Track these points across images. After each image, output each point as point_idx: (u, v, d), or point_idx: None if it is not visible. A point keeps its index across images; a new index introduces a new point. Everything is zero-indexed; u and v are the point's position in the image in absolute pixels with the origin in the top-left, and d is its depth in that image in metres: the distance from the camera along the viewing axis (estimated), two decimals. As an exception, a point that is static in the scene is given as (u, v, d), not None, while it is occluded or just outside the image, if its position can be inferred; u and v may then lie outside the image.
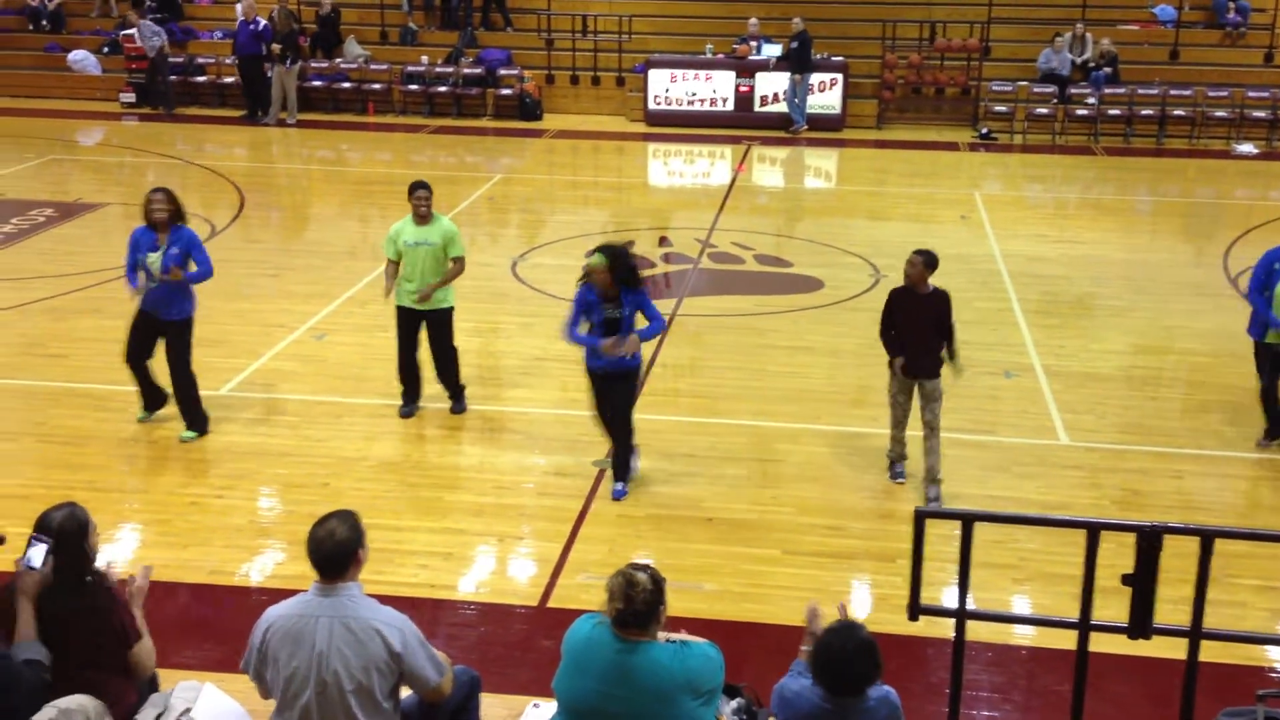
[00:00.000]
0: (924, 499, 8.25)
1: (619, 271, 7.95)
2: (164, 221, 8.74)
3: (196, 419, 9.19)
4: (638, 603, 4.49)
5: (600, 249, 8.03)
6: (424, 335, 9.52)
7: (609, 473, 8.58)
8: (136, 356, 9.11)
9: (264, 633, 4.73)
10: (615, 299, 7.99)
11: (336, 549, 4.66)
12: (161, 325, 8.97)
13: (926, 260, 8.23)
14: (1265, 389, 9.11)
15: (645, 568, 4.60)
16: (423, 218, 9.24)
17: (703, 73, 22.08)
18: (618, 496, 8.39)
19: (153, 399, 9.35)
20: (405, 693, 4.88)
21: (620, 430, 8.39)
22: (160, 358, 9.10)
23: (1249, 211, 16.68)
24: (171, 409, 9.29)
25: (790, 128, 21.62)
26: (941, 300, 8.29)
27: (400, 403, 9.64)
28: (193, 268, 8.87)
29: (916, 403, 8.37)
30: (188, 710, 5.05)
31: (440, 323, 9.47)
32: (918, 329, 8.30)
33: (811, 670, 4.57)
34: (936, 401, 8.27)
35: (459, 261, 9.28)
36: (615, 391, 8.31)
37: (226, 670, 5.95)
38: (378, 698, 4.66)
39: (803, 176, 20.14)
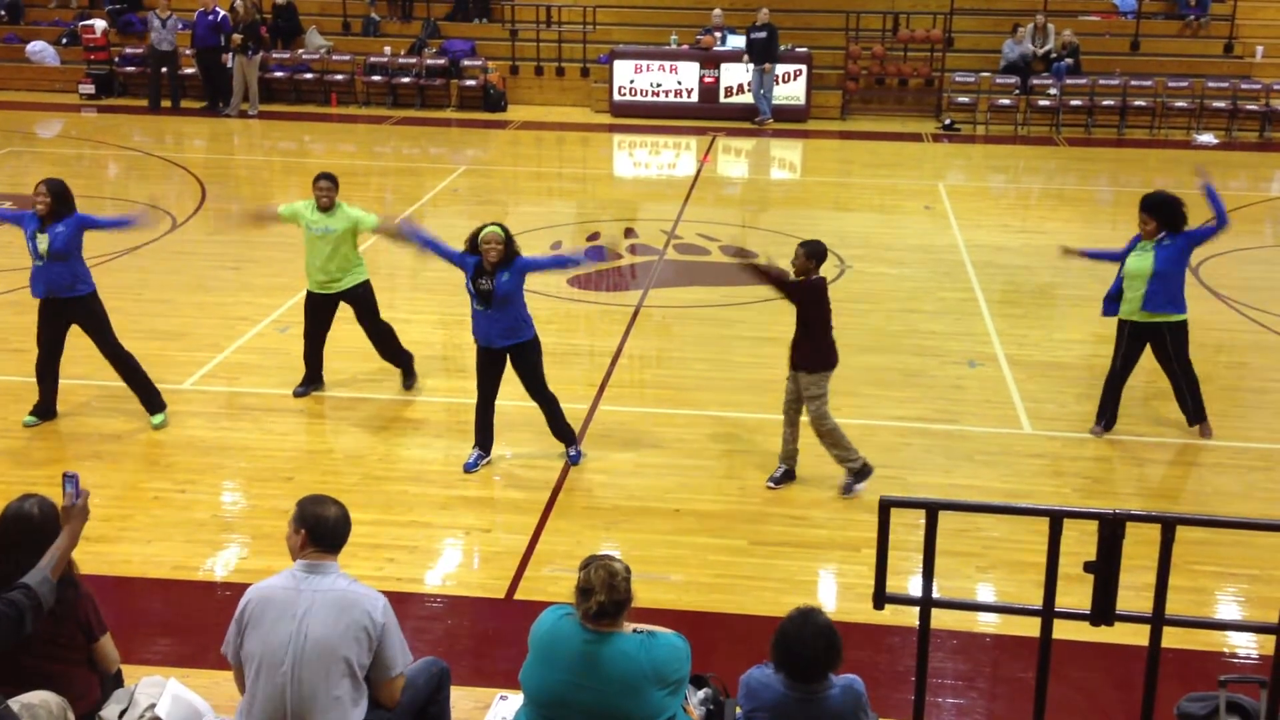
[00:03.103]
0: (892, 489, 8.28)
1: (510, 245, 8.24)
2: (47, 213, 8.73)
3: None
4: (618, 593, 4.51)
5: (496, 223, 8.34)
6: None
7: (566, 453, 8.72)
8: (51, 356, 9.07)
9: (245, 606, 4.77)
10: (491, 273, 8.16)
11: (341, 524, 4.86)
12: (65, 305, 8.90)
13: (808, 251, 8.12)
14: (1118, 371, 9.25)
15: (614, 558, 4.61)
16: (324, 207, 9.34)
17: (667, 64, 22.06)
18: (575, 460, 8.61)
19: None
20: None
21: (544, 401, 8.57)
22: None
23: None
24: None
25: (755, 119, 21.64)
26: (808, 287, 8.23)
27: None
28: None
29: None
30: (152, 706, 5.02)
31: (358, 300, 9.58)
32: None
33: (772, 659, 4.59)
34: (808, 400, 8.21)
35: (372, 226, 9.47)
36: (517, 369, 8.46)
37: (190, 666, 5.93)
38: (354, 670, 4.69)
39: (768, 167, 20.16)
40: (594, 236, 14.55)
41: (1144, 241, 8.92)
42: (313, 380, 9.82)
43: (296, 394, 9.74)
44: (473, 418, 8.64)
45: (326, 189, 9.31)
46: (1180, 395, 9.26)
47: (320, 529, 4.80)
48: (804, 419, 8.37)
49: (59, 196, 8.75)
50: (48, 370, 9.13)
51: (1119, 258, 9.15)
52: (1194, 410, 9.27)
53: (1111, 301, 9.14)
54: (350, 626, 4.67)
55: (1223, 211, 8.93)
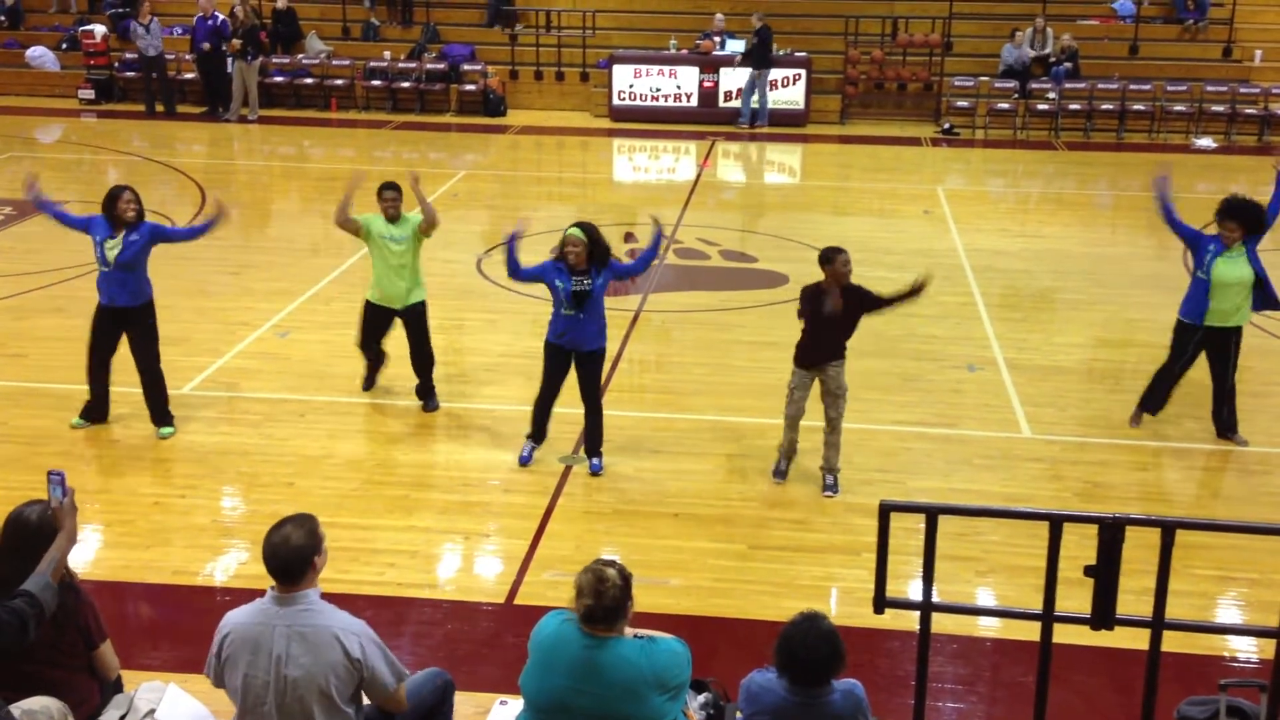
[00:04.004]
0: (892, 494, 8.28)
1: (593, 248, 8.18)
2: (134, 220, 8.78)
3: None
4: (607, 599, 4.49)
5: (578, 224, 8.27)
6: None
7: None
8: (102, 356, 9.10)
9: (222, 639, 4.72)
10: (586, 272, 8.20)
11: (292, 555, 4.62)
12: (124, 313, 8.95)
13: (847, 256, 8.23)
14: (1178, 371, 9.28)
15: (613, 563, 4.61)
16: (392, 219, 9.29)
17: (667, 68, 22.08)
18: (595, 471, 8.63)
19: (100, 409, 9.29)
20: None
21: (593, 409, 8.63)
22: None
23: (1209, 205, 16.79)
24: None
25: (752, 124, 21.61)
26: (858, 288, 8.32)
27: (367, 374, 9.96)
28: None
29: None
30: (151, 711, 5.02)
31: (416, 318, 9.53)
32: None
33: (775, 663, 4.60)
34: (842, 395, 8.36)
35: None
36: (581, 375, 8.49)
37: (190, 671, 5.91)
38: (338, 703, 4.65)
39: (767, 172, 20.18)
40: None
41: (1229, 249, 8.87)
42: (376, 367, 9.91)
43: (365, 388, 9.87)
44: (472, 421, 8.65)
45: (392, 199, 9.26)
46: (1219, 405, 9.28)
47: (272, 565, 4.63)
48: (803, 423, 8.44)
49: (141, 201, 8.89)
50: (100, 373, 9.14)
51: (1189, 236, 9.17)
52: (1230, 422, 9.30)
53: (1192, 303, 9.09)
54: (331, 665, 4.61)
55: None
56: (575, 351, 8.46)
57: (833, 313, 8.11)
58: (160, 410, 9.14)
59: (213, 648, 4.75)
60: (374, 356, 9.85)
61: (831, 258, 8.11)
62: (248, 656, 4.63)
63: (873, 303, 8.25)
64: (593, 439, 8.71)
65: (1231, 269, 8.85)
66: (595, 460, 8.67)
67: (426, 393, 9.68)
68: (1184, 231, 9.26)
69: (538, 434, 8.79)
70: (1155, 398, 9.42)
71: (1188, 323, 9.11)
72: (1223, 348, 9.08)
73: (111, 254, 8.72)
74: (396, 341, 9.67)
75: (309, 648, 4.60)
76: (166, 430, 9.10)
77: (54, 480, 4.70)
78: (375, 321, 9.57)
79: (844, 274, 8.17)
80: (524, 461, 8.72)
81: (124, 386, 9.29)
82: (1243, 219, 8.83)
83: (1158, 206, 9.29)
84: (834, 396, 8.31)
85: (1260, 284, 8.88)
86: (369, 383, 9.93)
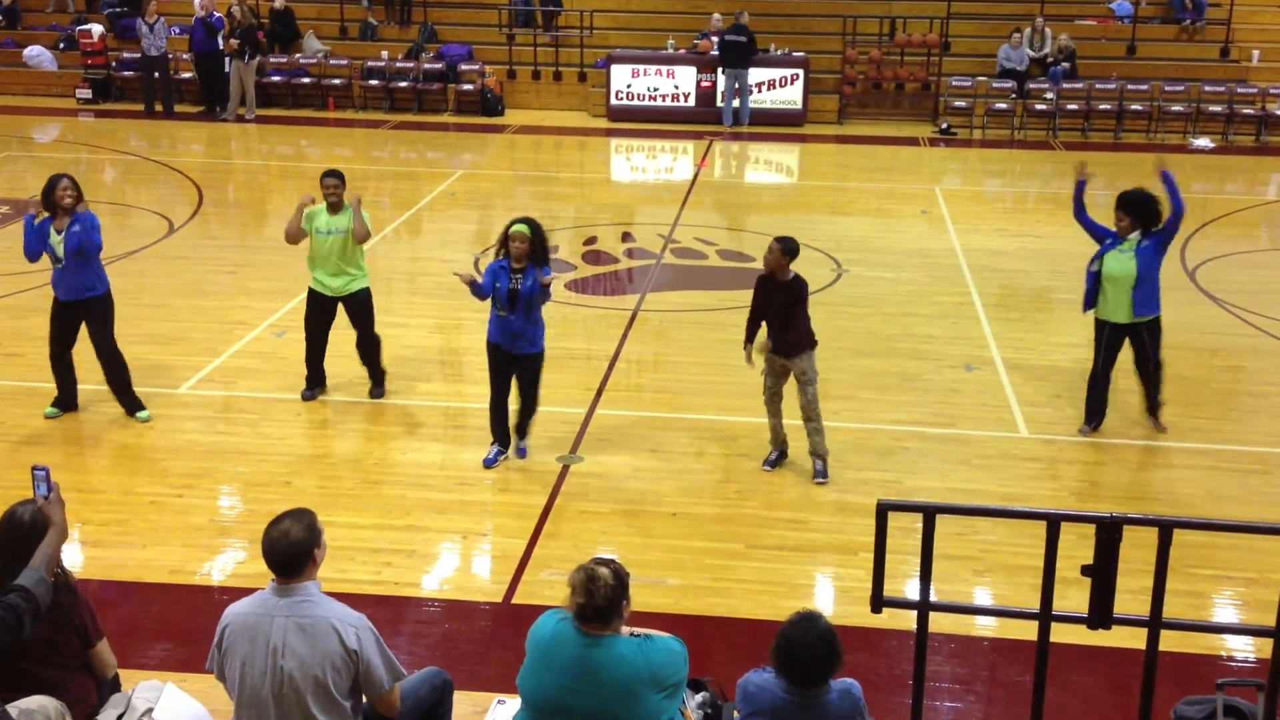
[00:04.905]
0: (889, 493, 8.28)
1: (536, 244, 8.25)
2: (70, 206, 8.82)
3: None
4: (599, 597, 4.49)
5: (523, 219, 8.35)
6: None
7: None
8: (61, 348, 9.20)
9: (222, 630, 4.74)
10: (521, 271, 8.24)
11: (291, 549, 4.64)
12: (83, 307, 9.02)
13: (785, 248, 8.27)
14: (1101, 375, 9.32)
15: (608, 562, 4.61)
16: (333, 205, 9.33)
17: (664, 68, 22.08)
18: (521, 455, 8.80)
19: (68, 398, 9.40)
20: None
21: (528, 401, 8.75)
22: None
23: (1205, 205, 16.85)
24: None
25: (734, 123, 21.62)
26: (799, 287, 8.37)
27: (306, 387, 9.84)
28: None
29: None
30: (149, 710, 5.01)
31: (358, 305, 9.57)
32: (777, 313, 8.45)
33: (773, 662, 4.60)
34: (807, 383, 8.41)
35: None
36: (518, 373, 8.61)
37: (188, 670, 5.93)
38: (334, 695, 4.65)
39: (765, 172, 20.18)
40: (591, 240, 14.55)
41: (1123, 243, 8.93)
42: (318, 382, 9.81)
43: (305, 397, 9.73)
44: (469, 420, 8.65)
45: (334, 186, 9.28)
46: (1149, 390, 9.35)
47: (271, 559, 4.66)
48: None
49: (79, 188, 8.90)
50: (62, 367, 9.21)
51: (1096, 233, 9.18)
52: (1155, 403, 9.38)
53: (1090, 298, 9.18)
54: (327, 656, 4.62)
55: (1179, 199, 8.88)
56: (511, 352, 8.52)
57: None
58: (128, 396, 9.16)
59: (214, 641, 4.77)
60: (317, 364, 9.76)
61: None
62: (245, 646, 4.65)
63: (796, 308, 8.35)
64: (521, 424, 8.81)
65: (1117, 265, 8.90)
66: (522, 445, 8.81)
67: (375, 380, 9.79)
68: (1090, 227, 9.30)
69: (498, 437, 8.81)
70: (1092, 408, 9.42)
71: (1097, 319, 9.17)
72: (1137, 343, 9.14)
73: (60, 249, 8.77)
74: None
75: (306, 638, 4.61)
76: (143, 414, 9.13)
77: (38, 476, 4.73)
78: (318, 311, 9.57)
79: (767, 260, 8.32)
80: (488, 464, 8.73)
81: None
82: (1129, 210, 8.89)
83: (1074, 195, 9.32)
84: (800, 383, 8.42)
85: (1140, 284, 8.87)
86: (310, 392, 9.79)
